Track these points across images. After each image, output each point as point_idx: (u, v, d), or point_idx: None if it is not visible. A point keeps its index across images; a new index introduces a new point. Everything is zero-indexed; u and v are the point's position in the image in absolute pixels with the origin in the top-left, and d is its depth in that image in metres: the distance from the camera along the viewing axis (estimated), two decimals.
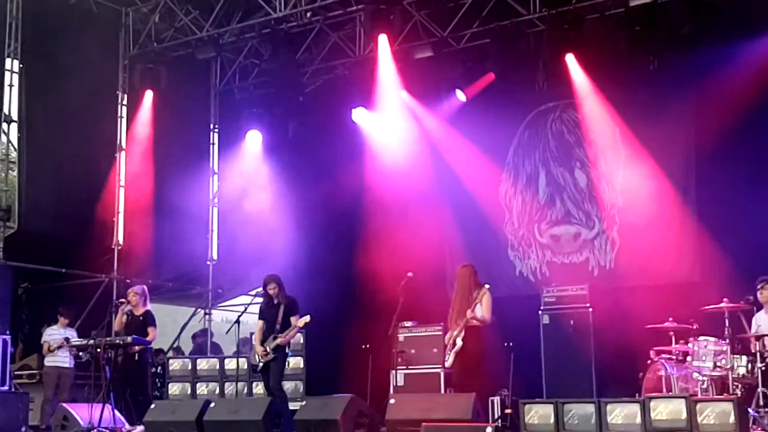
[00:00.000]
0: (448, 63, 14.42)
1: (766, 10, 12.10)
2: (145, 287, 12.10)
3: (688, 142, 13.00)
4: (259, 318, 11.27)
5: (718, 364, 9.90)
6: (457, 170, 14.88)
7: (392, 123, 15.17)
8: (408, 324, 12.50)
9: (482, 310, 10.79)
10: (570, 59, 13.40)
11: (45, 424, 12.14)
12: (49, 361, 12.89)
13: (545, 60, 13.81)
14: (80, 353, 12.61)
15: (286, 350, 11.05)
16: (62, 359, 12.89)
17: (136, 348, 11.31)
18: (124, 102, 15.51)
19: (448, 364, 11.05)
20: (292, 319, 10.88)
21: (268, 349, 10.83)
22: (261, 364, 10.95)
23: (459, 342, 10.80)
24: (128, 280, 13.76)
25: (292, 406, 11.15)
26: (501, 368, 11.85)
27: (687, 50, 12.67)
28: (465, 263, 11.53)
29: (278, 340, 10.81)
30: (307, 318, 10.77)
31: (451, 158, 14.92)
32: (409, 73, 14.57)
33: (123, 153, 15.38)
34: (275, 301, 11.02)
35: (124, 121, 15.47)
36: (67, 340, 12.78)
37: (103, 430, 10.67)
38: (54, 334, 12.98)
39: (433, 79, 14.73)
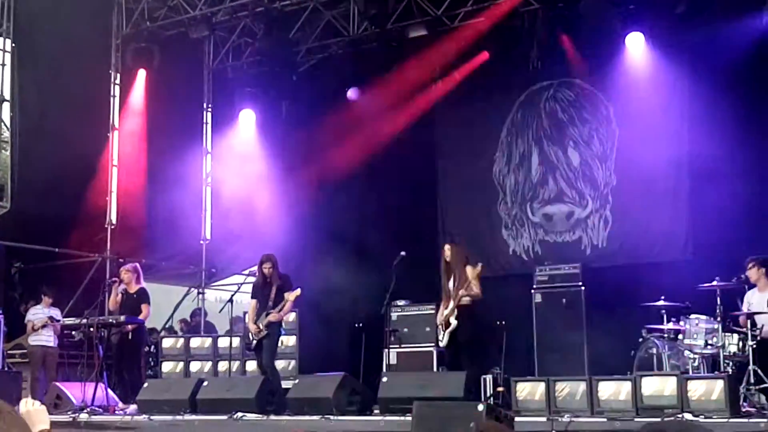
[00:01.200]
0: (443, 42, 14.38)
1: None
2: (137, 265, 12.10)
3: (681, 120, 12.99)
4: (252, 297, 11.27)
5: (710, 342, 9.91)
6: (451, 149, 14.88)
7: (386, 102, 15.12)
8: (401, 303, 12.54)
9: (474, 286, 10.82)
10: (564, 38, 13.38)
11: None
12: (34, 340, 12.94)
13: (539, 39, 13.79)
14: (73, 332, 12.63)
15: (280, 328, 11.08)
16: (46, 338, 12.95)
17: (130, 327, 11.33)
18: (117, 81, 15.44)
19: (443, 343, 11.08)
20: (286, 295, 10.87)
21: (261, 326, 10.83)
22: (254, 342, 10.96)
23: (453, 321, 10.83)
24: (121, 260, 13.73)
25: (285, 384, 11.16)
26: (493, 347, 11.87)
27: (681, 29, 12.65)
28: (454, 240, 11.53)
29: (271, 317, 10.81)
30: (297, 291, 10.79)
31: (445, 137, 14.91)
32: (402, 52, 14.52)
33: (116, 132, 15.34)
34: (268, 280, 11.01)
35: (116, 100, 15.42)
36: (51, 319, 12.85)
37: (96, 408, 10.70)
38: (38, 313, 13.04)
39: (427, 58, 14.67)
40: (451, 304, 10.90)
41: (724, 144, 12.03)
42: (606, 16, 12.97)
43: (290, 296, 10.77)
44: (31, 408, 3.77)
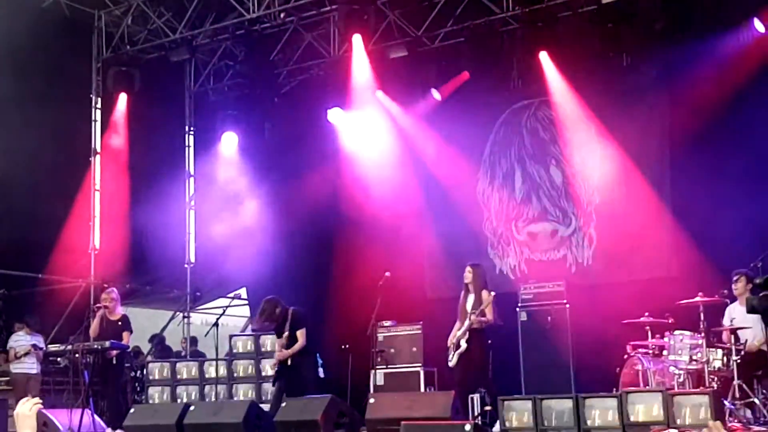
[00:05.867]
0: (423, 62, 14.47)
1: (737, 5, 12.21)
2: (115, 289, 12.09)
3: (662, 137, 13.08)
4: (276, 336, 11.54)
5: (694, 357, 9.97)
6: (434, 169, 14.90)
7: (368, 123, 15.18)
8: (387, 323, 12.54)
9: (488, 312, 11.04)
10: (543, 57, 13.48)
11: None
12: (16, 367, 12.93)
13: (519, 58, 13.93)
14: (58, 359, 12.58)
15: (288, 362, 11.16)
16: (29, 366, 12.92)
17: (114, 353, 11.29)
18: (98, 106, 15.42)
19: (452, 363, 11.14)
20: (298, 333, 11.06)
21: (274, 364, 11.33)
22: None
23: (463, 344, 10.97)
24: (105, 285, 13.66)
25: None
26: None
27: (660, 46, 12.75)
28: (475, 262, 11.64)
29: (279, 356, 11.14)
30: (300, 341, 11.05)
31: (428, 157, 14.95)
32: (384, 73, 14.58)
33: (98, 157, 15.30)
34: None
35: (98, 124, 15.38)
36: (34, 347, 12.79)
37: None
38: (20, 340, 12.99)
39: (408, 78, 14.75)
40: (465, 324, 11.03)
41: (705, 160, 12.13)
42: (584, 35, 13.07)
43: (296, 346, 11.04)
44: (22, 410, 3.75)
